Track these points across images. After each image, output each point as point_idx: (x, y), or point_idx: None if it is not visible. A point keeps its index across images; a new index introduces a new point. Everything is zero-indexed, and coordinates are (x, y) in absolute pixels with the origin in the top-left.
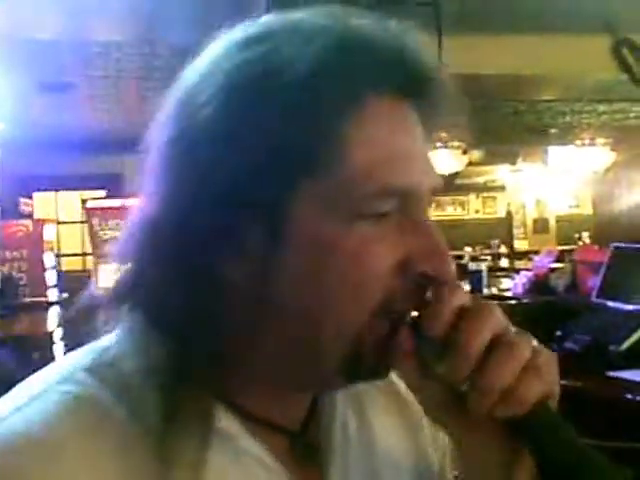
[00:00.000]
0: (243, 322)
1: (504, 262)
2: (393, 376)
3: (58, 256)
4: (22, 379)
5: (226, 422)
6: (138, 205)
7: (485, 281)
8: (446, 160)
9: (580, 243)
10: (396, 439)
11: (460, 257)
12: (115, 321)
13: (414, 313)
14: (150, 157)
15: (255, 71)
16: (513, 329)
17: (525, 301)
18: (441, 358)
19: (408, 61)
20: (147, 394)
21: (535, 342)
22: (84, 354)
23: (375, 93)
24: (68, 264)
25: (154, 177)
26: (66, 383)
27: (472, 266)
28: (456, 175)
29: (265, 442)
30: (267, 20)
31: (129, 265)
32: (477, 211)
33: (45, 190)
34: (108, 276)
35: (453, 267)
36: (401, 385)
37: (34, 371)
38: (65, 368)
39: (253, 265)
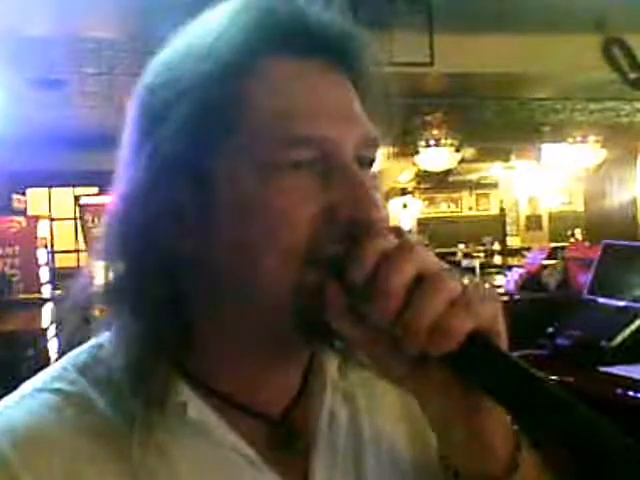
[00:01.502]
0: (201, 299)
1: (497, 259)
2: None
3: (52, 253)
4: (17, 375)
5: (199, 412)
6: (110, 205)
7: (478, 278)
8: (439, 157)
9: (573, 240)
10: (393, 430)
11: (453, 254)
12: (110, 319)
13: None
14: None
15: (181, 54)
16: (444, 267)
17: (517, 298)
18: (370, 304)
19: (301, 24)
20: (125, 384)
21: (470, 280)
22: (79, 353)
23: (271, 55)
24: (62, 261)
25: (119, 177)
26: (58, 381)
27: (465, 263)
28: (449, 172)
29: (243, 429)
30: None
31: (108, 263)
32: (470, 208)
33: (37, 186)
34: (99, 273)
35: (381, 213)
36: None
37: (28, 367)
38: (59, 368)
39: (194, 234)
